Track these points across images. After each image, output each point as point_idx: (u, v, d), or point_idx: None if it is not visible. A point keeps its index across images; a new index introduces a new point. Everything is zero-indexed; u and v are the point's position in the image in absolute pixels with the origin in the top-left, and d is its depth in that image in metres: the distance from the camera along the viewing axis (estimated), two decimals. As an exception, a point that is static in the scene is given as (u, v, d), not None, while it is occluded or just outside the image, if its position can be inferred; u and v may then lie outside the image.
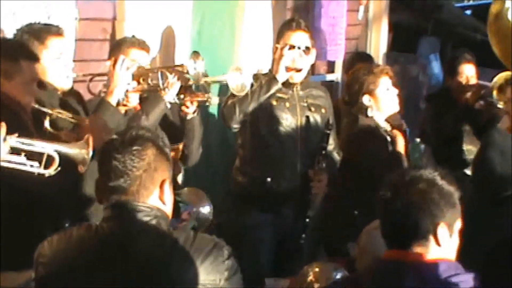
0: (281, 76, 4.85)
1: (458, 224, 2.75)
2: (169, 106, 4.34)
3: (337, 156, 5.07)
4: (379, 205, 2.80)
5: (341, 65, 7.54)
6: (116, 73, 4.16)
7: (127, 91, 4.23)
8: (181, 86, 4.31)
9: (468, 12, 10.92)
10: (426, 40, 9.48)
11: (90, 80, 4.45)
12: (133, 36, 4.65)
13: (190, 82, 4.33)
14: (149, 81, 4.30)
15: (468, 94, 6.26)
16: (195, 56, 4.28)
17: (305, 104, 4.96)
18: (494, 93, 5.59)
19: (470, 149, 6.22)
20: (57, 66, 4.10)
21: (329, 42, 7.28)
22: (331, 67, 7.72)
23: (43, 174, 3.45)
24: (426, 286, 2.66)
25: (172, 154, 4.01)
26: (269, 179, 4.83)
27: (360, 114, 5.03)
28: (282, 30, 5.06)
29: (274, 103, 4.88)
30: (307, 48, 4.95)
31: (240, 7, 6.46)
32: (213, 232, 2.86)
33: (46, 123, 3.87)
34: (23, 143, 3.42)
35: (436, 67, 9.55)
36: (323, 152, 4.86)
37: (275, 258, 4.95)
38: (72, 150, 3.55)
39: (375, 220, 3.32)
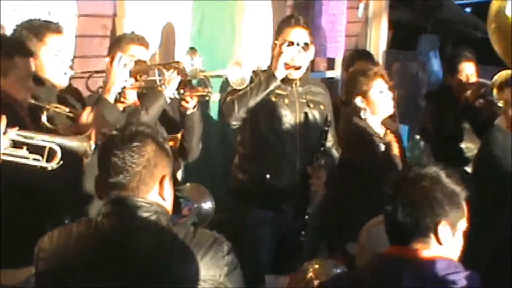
0: (280, 73, 4.85)
1: (462, 224, 2.74)
2: (169, 101, 4.34)
3: (336, 153, 5.07)
4: (384, 201, 2.79)
5: (341, 62, 7.54)
6: (113, 70, 4.17)
7: (124, 88, 4.23)
8: (181, 81, 4.31)
9: (468, 9, 10.90)
10: (425, 38, 9.46)
11: (89, 77, 4.46)
12: (132, 32, 4.65)
13: (188, 78, 4.33)
14: (147, 78, 4.30)
15: (468, 92, 6.27)
16: (192, 53, 4.28)
17: (304, 101, 4.96)
18: (494, 91, 5.59)
19: (469, 146, 6.23)
20: (55, 63, 4.11)
21: (329, 39, 7.28)
22: (331, 64, 7.71)
23: (45, 168, 3.45)
24: (424, 283, 2.66)
25: (170, 143, 4.02)
26: (268, 176, 4.83)
27: (353, 115, 5.04)
28: (281, 26, 5.05)
29: (273, 99, 4.88)
30: (306, 44, 4.95)
31: (240, 5, 6.46)
32: (214, 228, 2.85)
33: (44, 118, 3.87)
34: (23, 137, 3.42)
35: (435, 64, 9.53)
36: (322, 148, 4.86)
37: (275, 256, 4.95)
38: (73, 143, 3.55)
39: (375, 218, 3.33)
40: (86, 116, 3.86)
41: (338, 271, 3.59)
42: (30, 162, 3.43)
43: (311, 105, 4.97)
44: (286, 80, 4.91)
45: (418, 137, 8.00)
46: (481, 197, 4.47)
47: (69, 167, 3.58)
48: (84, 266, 2.63)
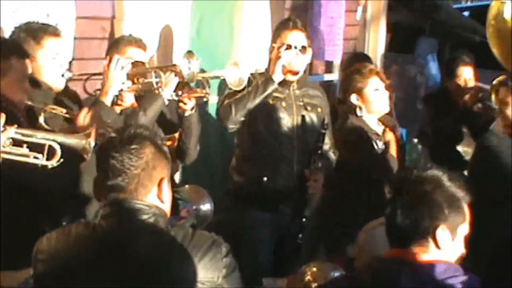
0: (278, 76, 4.85)
1: (463, 229, 2.73)
2: (166, 103, 4.33)
3: (333, 156, 5.07)
4: (381, 202, 2.79)
5: (339, 66, 7.54)
6: (110, 73, 4.14)
7: (121, 90, 4.22)
8: (178, 83, 4.30)
9: (466, 13, 10.92)
10: (424, 41, 9.48)
11: (86, 79, 4.44)
12: (130, 35, 4.65)
13: (186, 81, 4.32)
14: (144, 81, 4.29)
15: (466, 97, 6.27)
16: (189, 56, 4.27)
17: (301, 103, 4.96)
18: (493, 96, 5.60)
19: (466, 150, 6.24)
20: (52, 66, 4.10)
21: (327, 42, 7.28)
22: (329, 67, 7.71)
23: (46, 166, 3.45)
24: (423, 286, 2.66)
25: (168, 143, 4.02)
26: (265, 179, 4.84)
27: (350, 113, 5.05)
28: (279, 29, 5.06)
29: (271, 102, 4.88)
30: (304, 47, 4.95)
31: (238, 6, 6.47)
32: (212, 229, 2.85)
33: (41, 119, 3.86)
34: (23, 135, 3.42)
35: (433, 68, 9.56)
36: (319, 151, 4.86)
37: (273, 258, 4.95)
38: (73, 140, 3.55)
39: (373, 220, 3.33)
40: (83, 117, 3.85)
41: (337, 274, 3.58)
42: (30, 160, 3.43)
43: (309, 108, 4.97)
44: (283, 83, 4.91)
45: (416, 140, 8.00)
46: (478, 200, 4.49)
47: (68, 169, 3.58)
48: (82, 267, 2.63)
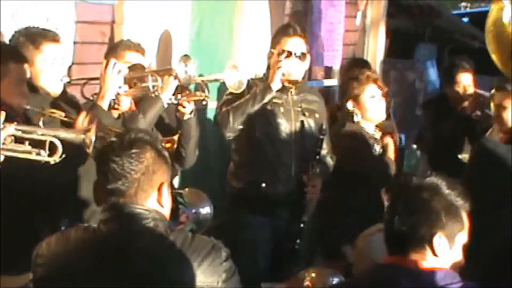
0: (276, 85, 4.83)
1: (461, 237, 2.72)
2: (166, 106, 4.32)
3: (330, 161, 5.08)
4: (379, 207, 2.79)
5: (338, 71, 7.55)
6: (107, 77, 4.11)
7: (118, 94, 4.21)
8: (177, 86, 4.29)
9: (465, 19, 10.94)
10: (423, 47, 9.50)
11: (84, 84, 4.43)
12: (128, 39, 4.64)
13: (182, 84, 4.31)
14: (141, 85, 4.28)
15: (466, 103, 6.28)
16: (185, 59, 4.26)
17: (299, 109, 4.96)
18: (492, 105, 5.60)
19: (465, 157, 6.23)
20: (50, 71, 4.10)
21: (326, 47, 7.29)
22: (328, 72, 7.72)
23: (48, 162, 3.44)
24: (422, 293, 2.66)
25: (167, 145, 4.01)
26: (263, 185, 4.84)
27: (346, 120, 5.06)
28: (278, 35, 5.05)
29: (269, 108, 4.87)
30: (303, 54, 4.95)
31: (238, 9, 6.47)
32: (211, 233, 2.85)
33: (41, 123, 3.86)
34: (23, 131, 3.42)
35: (432, 73, 9.57)
36: (317, 157, 4.86)
37: (272, 263, 4.95)
38: (73, 135, 3.55)
39: (372, 226, 3.33)
40: (82, 120, 3.84)
41: (335, 279, 3.59)
42: (33, 157, 3.43)
43: (307, 114, 4.97)
44: (281, 88, 4.89)
45: (415, 146, 8.01)
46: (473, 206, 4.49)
47: (67, 172, 3.59)
48: (82, 272, 2.62)
